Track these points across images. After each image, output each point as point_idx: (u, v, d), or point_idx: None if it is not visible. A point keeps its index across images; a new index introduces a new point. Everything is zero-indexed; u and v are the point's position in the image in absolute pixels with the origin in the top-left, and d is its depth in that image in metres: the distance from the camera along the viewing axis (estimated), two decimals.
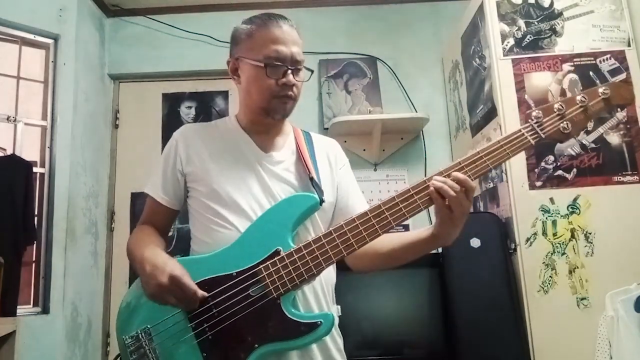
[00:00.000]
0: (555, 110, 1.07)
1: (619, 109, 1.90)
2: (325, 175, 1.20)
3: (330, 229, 1.03)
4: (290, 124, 1.28)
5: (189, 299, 0.99)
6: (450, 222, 1.01)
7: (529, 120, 1.07)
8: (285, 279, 1.00)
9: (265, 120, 1.18)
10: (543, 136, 1.05)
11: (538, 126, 1.06)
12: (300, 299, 1.07)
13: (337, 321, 1.18)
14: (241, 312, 1.01)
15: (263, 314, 1.00)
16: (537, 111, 1.07)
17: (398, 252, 1.13)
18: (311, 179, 1.14)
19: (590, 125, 1.92)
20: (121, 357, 1.07)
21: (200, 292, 1.00)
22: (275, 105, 1.14)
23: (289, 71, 1.12)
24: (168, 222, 1.24)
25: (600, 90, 1.08)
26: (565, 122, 1.06)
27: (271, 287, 1.01)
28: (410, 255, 1.12)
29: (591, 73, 1.96)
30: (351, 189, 1.26)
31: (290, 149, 1.21)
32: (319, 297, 1.11)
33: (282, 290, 1.00)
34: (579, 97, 1.07)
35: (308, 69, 1.18)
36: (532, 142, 1.05)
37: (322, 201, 1.11)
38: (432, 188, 0.99)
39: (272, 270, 1.01)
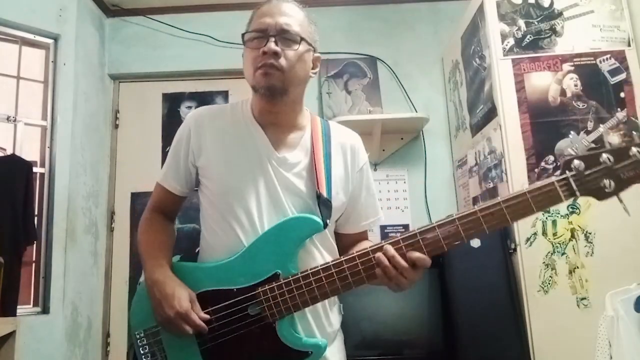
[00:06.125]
0: (602, 162, 0.88)
1: None
2: (337, 177, 1.15)
3: (330, 264, 1.02)
4: (309, 113, 1.22)
5: (193, 333, 1.03)
6: (396, 288, 1.01)
7: (566, 172, 0.89)
8: (282, 306, 1.03)
9: (264, 103, 1.12)
10: (578, 195, 0.89)
11: (575, 180, 0.89)
12: (299, 313, 1.06)
13: (339, 320, 1.20)
14: (238, 330, 1.04)
15: (258, 335, 1.04)
16: (578, 161, 0.88)
17: None
18: (319, 196, 1.09)
19: (590, 125, 1.92)
20: (134, 350, 1.10)
21: (204, 326, 1.02)
22: (258, 78, 1.07)
23: (272, 39, 1.06)
24: (178, 207, 1.27)
25: None
26: (608, 180, 0.88)
27: (267, 312, 1.03)
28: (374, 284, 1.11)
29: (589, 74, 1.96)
30: (363, 195, 1.22)
31: (305, 149, 1.15)
32: (318, 312, 1.10)
33: (277, 317, 1.03)
34: (634, 150, 0.86)
35: (309, 45, 1.12)
36: (564, 199, 0.89)
37: (325, 225, 1.09)
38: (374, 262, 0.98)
39: (269, 295, 1.03)
